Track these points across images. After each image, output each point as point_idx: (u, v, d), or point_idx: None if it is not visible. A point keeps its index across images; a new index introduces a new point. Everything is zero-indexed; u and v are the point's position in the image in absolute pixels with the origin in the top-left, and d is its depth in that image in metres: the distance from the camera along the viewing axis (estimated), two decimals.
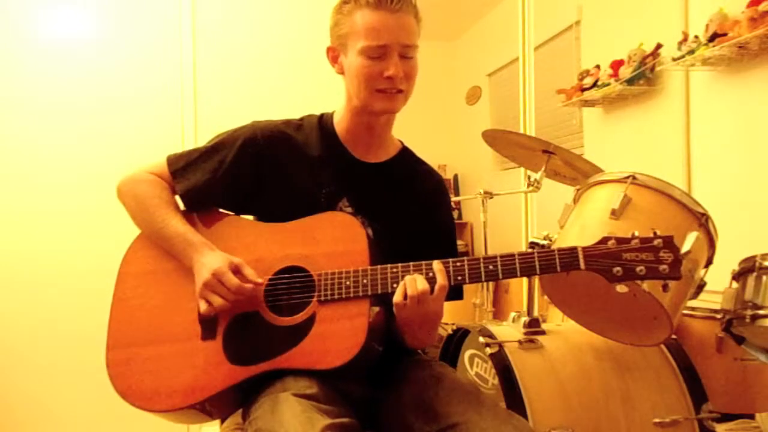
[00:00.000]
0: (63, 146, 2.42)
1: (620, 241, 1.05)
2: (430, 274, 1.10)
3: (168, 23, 2.51)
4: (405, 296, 1.08)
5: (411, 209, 1.32)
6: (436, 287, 1.08)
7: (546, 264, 1.08)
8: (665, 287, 1.05)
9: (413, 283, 1.08)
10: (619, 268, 1.04)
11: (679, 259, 1.03)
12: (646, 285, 1.06)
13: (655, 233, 1.05)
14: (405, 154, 1.39)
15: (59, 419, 2.39)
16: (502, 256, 1.10)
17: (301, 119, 1.35)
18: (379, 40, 1.18)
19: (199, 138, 2.49)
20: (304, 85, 2.58)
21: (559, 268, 1.07)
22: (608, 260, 1.05)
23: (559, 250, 1.08)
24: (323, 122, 1.34)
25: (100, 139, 2.45)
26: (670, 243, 1.04)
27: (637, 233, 1.06)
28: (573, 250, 1.07)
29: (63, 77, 2.42)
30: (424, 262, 1.12)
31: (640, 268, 1.03)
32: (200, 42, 2.54)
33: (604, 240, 1.06)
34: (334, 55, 1.27)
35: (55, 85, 2.42)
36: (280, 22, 2.63)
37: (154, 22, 2.51)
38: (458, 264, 1.11)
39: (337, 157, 1.30)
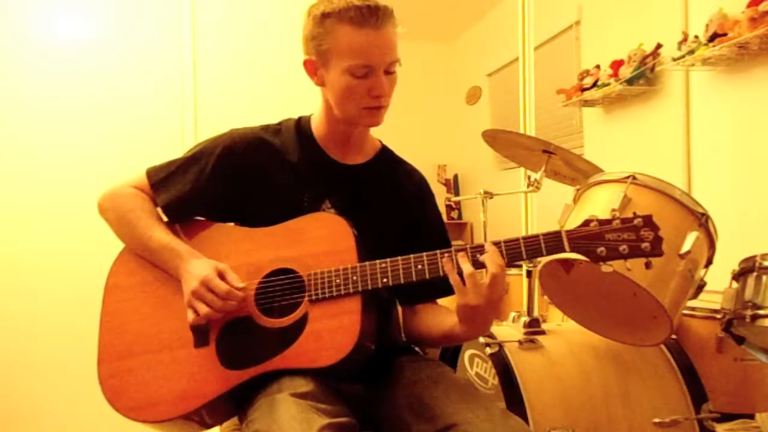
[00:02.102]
0: (63, 146, 2.42)
1: (602, 222, 1.07)
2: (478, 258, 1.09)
3: (168, 23, 2.51)
4: (464, 281, 1.07)
5: (395, 209, 1.32)
6: (497, 268, 1.07)
7: (532, 249, 1.08)
8: (648, 265, 1.06)
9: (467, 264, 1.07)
10: (602, 248, 1.06)
11: (660, 237, 1.05)
12: (629, 263, 1.07)
13: (634, 213, 1.07)
14: (384, 154, 1.39)
15: (59, 420, 2.39)
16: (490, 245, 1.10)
17: (279, 124, 1.35)
18: (365, 59, 1.16)
19: (199, 138, 2.48)
20: (304, 85, 2.55)
21: (545, 252, 1.08)
22: (591, 241, 1.06)
23: (544, 234, 1.09)
24: (301, 126, 1.33)
25: (100, 139, 2.45)
26: (649, 221, 1.06)
27: (617, 213, 1.07)
28: (557, 234, 1.08)
29: (63, 77, 2.42)
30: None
31: (623, 247, 1.05)
32: (200, 42, 2.54)
33: (587, 222, 1.08)
34: (312, 67, 1.24)
35: (55, 85, 2.42)
36: (279, 22, 2.63)
37: (154, 22, 2.51)
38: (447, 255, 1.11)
39: (317, 160, 1.30)
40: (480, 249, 1.09)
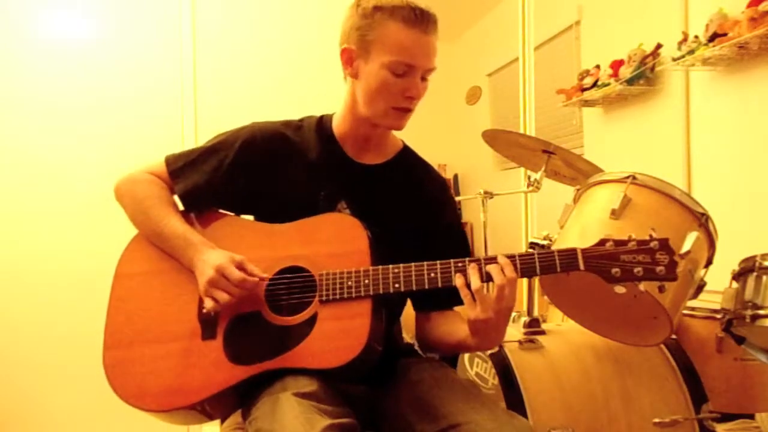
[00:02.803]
0: (63, 146, 2.42)
1: (618, 243, 1.07)
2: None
3: (168, 23, 2.51)
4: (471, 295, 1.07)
5: (412, 211, 1.31)
6: (506, 281, 1.07)
7: (546, 265, 1.08)
8: (661, 288, 1.07)
9: (500, 274, 1.07)
10: (617, 269, 1.06)
11: (675, 261, 1.05)
12: (643, 285, 1.07)
13: (651, 236, 1.07)
14: (405, 154, 1.38)
15: (59, 420, 2.39)
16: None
17: (301, 120, 1.34)
18: (409, 58, 1.17)
19: (199, 138, 2.49)
20: (304, 85, 2.58)
21: (559, 269, 1.08)
22: (607, 261, 1.06)
23: (559, 251, 1.09)
24: (322, 124, 1.33)
25: (100, 139, 2.45)
26: (665, 245, 1.06)
27: (633, 235, 1.07)
28: (572, 252, 1.08)
29: (63, 77, 2.42)
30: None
31: (638, 270, 1.05)
32: (200, 42, 2.54)
33: (603, 242, 1.08)
34: (350, 57, 1.23)
35: (55, 85, 2.41)
36: (280, 22, 2.63)
37: (154, 22, 2.50)
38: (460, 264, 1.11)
39: (336, 159, 1.30)
40: (491, 261, 1.09)
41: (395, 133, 1.36)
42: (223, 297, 1.13)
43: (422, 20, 1.17)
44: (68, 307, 2.37)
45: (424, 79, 1.22)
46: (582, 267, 1.07)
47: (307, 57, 2.58)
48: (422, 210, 1.32)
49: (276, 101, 2.58)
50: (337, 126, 1.32)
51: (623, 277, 1.06)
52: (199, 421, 1.23)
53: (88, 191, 2.38)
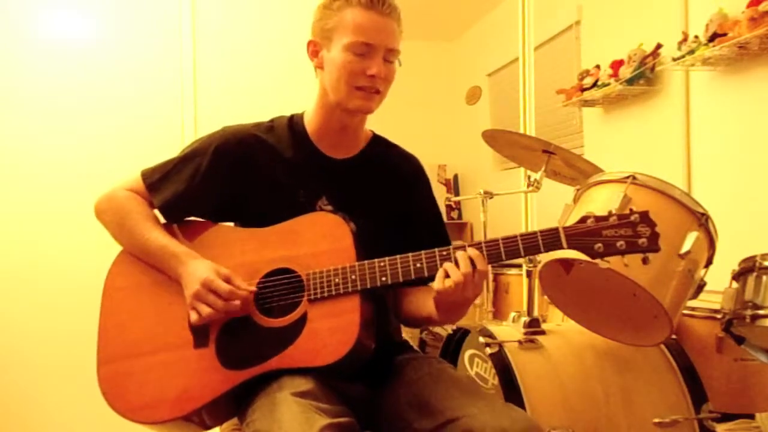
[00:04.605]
0: (63, 146, 2.42)
1: (599, 219, 1.08)
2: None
3: (168, 23, 2.51)
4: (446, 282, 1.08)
5: (391, 197, 1.32)
6: (476, 273, 1.08)
7: (529, 246, 1.09)
8: (645, 260, 1.07)
9: (455, 269, 1.08)
10: (600, 245, 1.06)
11: (657, 233, 1.05)
12: (626, 259, 1.07)
13: (631, 209, 1.07)
14: (375, 142, 1.38)
15: (59, 420, 2.39)
16: (486, 242, 1.11)
17: (272, 121, 1.35)
18: (367, 38, 1.19)
19: None
20: (305, 85, 2.56)
21: (542, 249, 1.09)
22: (589, 238, 1.07)
23: (541, 231, 1.09)
24: (293, 122, 1.34)
25: (101, 139, 2.45)
26: (646, 217, 1.06)
27: (614, 210, 1.08)
28: (554, 231, 1.09)
29: (63, 77, 2.42)
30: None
31: (620, 243, 1.06)
32: (200, 42, 2.54)
33: (584, 219, 1.08)
34: (315, 49, 1.27)
35: (55, 85, 2.42)
36: (280, 22, 2.63)
37: (154, 22, 2.50)
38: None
39: (310, 156, 1.30)
40: (475, 247, 1.10)
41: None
42: (206, 311, 1.13)
43: (379, 3, 1.20)
44: (68, 307, 2.37)
45: (389, 61, 1.23)
46: (565, 245, 1.07)
47: (307, 57, 2.57)
48: (399, 193, 1.33)
49: (276, 101, 2.56)
50: (309, 123, 1.32)
51: (606, 252, 1.06)
52: None
53: (88, 191, 2.35)
